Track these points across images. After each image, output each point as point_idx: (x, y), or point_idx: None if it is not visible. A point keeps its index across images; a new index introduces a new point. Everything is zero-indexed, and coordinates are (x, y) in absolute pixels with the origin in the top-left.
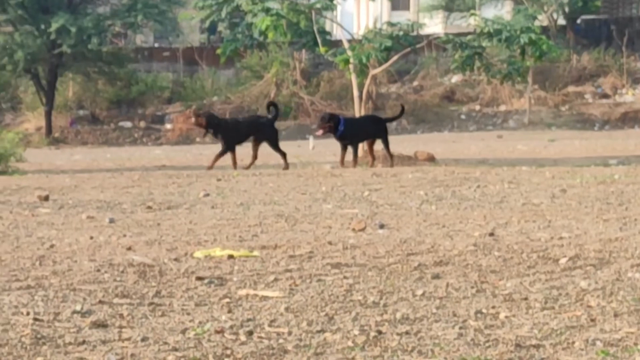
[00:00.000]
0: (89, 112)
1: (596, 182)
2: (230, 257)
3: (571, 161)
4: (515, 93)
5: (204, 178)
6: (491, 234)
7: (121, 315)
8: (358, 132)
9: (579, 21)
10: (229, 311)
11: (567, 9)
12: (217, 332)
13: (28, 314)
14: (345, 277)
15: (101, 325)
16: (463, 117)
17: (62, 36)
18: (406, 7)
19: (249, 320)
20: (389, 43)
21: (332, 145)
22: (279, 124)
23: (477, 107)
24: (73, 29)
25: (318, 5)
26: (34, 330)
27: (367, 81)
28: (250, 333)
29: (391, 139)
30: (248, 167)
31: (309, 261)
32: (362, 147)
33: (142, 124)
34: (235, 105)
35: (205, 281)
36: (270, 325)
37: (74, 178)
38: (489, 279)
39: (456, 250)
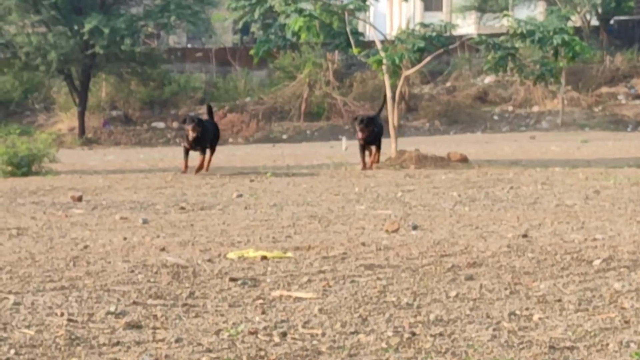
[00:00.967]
0: (122, 113)
1: (630, 183)
2: (264, 258)
3: (604, 162)
4: (548, 94)
5: (237, 179)
6: (524, 236)
7: (155, 316)
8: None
9: (612, 22)
10: (263, 312)
11: (600, 10)
12: (250, 333)
13: (62, 314)
14: (378, 279)
15: (135, 326)
16: (496, 117)
17: (95, 37)
18: (439, 8)
19: (282, 321)
20: (421, 44)
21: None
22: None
23: (510, 108)
24: (106, 30)
25: (351, 6)
26: (68, 331)
27: (400, 82)
28: (284, 334)
29: (424, 139)
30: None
31: (342, 262)
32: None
33: (175, 124)
34: (268, 106)
35: (239, 282)
36: (304, 327)
37: (107, 179)
38: (522, 280)
39: (489, 251)
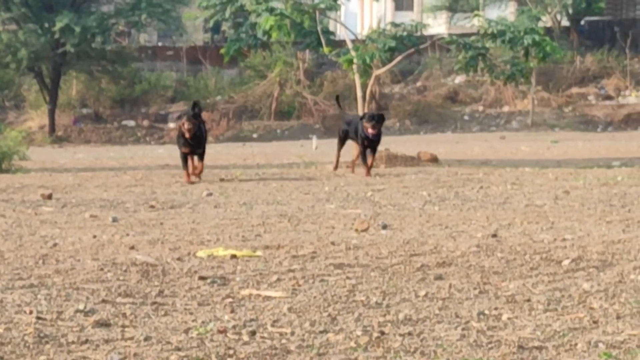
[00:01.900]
0: (92, 111)
1: (599, 183)
2: (233, 256)
3: (574, 163)
4: (518, 94)
5: (207, 177)
6: (494, 235)
7: (124, 315)
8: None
9: (582, 22)
10: (232, 311)
11: (570, 10)
12: (219, 331)
13: (31, 312)
14: (348, 278)
15: (104, 324)
16: (466, 117)
17: (65, 35)
18: (410, 8)
19: (251, 320)
20: (392, 43)
21: (335, 145)
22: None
23: (481, 108)
24: (77, 28)
25: (322, 5)
26: (36, 329)
27: (371, 81)
28: (253, 333)
29: (394, 139)
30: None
31: (311, 261)
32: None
33: (146, 122)
34: (238, 105)
35: (208, 281)
36: (273, 326)
37: (77, 177)
38: (491, 280)
39: (459, 251)
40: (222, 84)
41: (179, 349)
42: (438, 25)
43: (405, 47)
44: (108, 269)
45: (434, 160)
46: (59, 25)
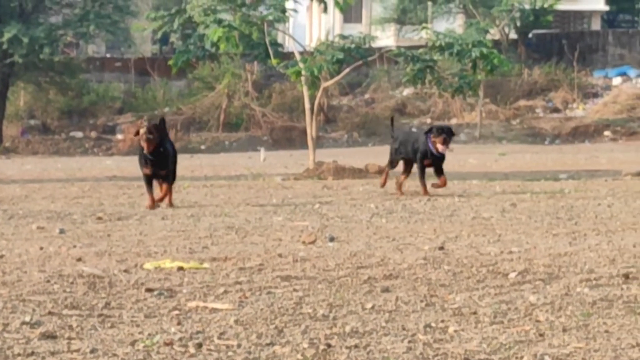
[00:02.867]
0: (40, 122)
1: (546, 196)
2: (180, 268)
3: (521, 175)
4: (466, 106)
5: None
6: (441, 248)
7: (70, 327)
8: None
9: (530, 35)
10: (179, 323)
11: (518, 23)
12: (166, 344)
13: None
14: (295, 290)
15: (50, 336)
16: (415, 130)
17: (13, 46)
18: (358, 20)
19: (198, 332)
20: (340, 55)
21: (283, 157)
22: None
23: (429, 120)
24: (25, 39)
25: (270, 17)
26: None
27: (319, 93)
28: (199, 345)
29: (342, 151)
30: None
31: (258, 273)
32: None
33: (94, 134)
34: (186, 117)
35: (155, 293)
36: (219, 338)
37: (24, 188)
38: (438, 292)
39: (406, 263)
40: (170, 95)
41: None
42: (386, 38)
43: (353, 59)
44: (55, 281)
45: (382, 172)
46: (6, 35)
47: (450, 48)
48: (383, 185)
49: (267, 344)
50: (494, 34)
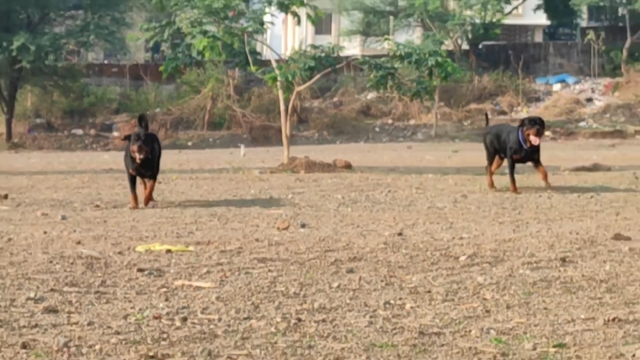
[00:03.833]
0: (45, 121)
1: (493, 189)
2: (168, 251)
3: (472, 170)
4: (423, 109)
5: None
6: (399, 234)
7: (70, 302)
8: None
9: (480, 46)
10: (166, 299)
11: (470, 36)
12: (155, 318)
13: None
14: (270, 271)
15: (52, 310)
16: (377, 129)
17: (22, 53)
18: (328, 32)
19: (183, 307)
20: (312, 63)
21: (261, 153)
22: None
23: (390, 121)
24: (32, 47)
25: (250, 29)
26: None
27: (293, 97)
28: (184, 319)
29: (313, 148)
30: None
31: (237, 256)
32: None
33: (92, 131)
34: (175, 117)
35: (146, 272)
36: (202, 313)
37: (30, 179)
38: (396, 273)
39: (368, 247)
40: (161, 97)
41: (118, 333)
42: (353, 48)
43: (324, 67)
44: (57, 262)
45: (348, 167)
46: (16, 44)
47: (409, 57)
48: (491, 185)
49: (245, 318)
50: (448, 44)
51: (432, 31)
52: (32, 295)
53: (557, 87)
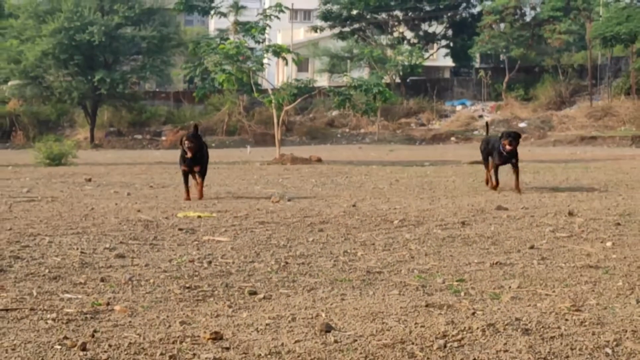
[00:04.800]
0: (116, 129)
1: (416, 176)
2: (199, 217)
3: (402, 163)
4: (370, 122)
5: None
6: (354, 206)
7: (133, 251)
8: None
9: (408, 80)
10: (197, 249)
11: (401, 73)
12: (190, 261)
13: (77, 249)
14: (267, 230)
15: (121, 256)
16: (339, 136)
17: (101, 83)
18: (306, 70)
19: (209, 254)
20: (295, 91)
21: (261, 151)
22: (229, 138)
23: (347, 130)
24: (108, 80)
25: (254, 68)
26: (80, 259)
27: (282, 114)
28: (210, 262)
29: (296, 148)
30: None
31: (245, 220)
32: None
33: (148, 136)
34: (204, 126)
35: (184, 231)
36: (222, 258)
37: (106, 168)
38: (352, 232)
39: (333, 214)
40: (194, 114)
41: (165, 271)
42: (323, 81)
43: (303, 93)
44: (124, 224)
45: (319, 160)
46: (97, 77)
47: (360, 87)
48: (494, 186)
49: (250, 262)
50: (386, 79)
51: (376, 70)
52: (107, 245)
53: (459, 107)
